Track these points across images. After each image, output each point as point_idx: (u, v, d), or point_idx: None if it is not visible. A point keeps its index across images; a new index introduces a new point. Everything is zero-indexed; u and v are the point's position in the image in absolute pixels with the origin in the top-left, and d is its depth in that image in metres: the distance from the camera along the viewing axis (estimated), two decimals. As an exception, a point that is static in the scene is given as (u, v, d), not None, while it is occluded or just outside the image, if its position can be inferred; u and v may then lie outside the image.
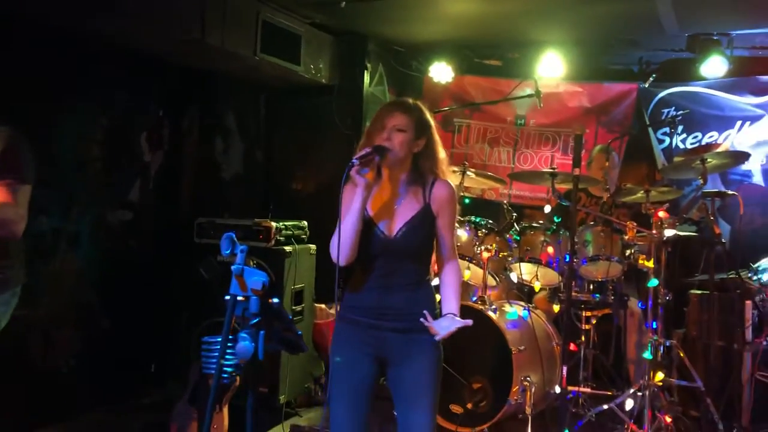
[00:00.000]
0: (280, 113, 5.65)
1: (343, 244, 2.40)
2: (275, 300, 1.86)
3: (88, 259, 4.36)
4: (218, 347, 2.01)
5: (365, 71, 5.39)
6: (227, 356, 1.91)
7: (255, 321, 1.82)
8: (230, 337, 1.87)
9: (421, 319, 2.41)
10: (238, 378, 3.35)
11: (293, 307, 4.40)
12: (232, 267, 1.82)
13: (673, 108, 5.34)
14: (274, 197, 5.34)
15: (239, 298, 1.83)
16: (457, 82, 5.71)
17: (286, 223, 4.47)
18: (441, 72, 5.54)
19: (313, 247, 4.66)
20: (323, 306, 4.97)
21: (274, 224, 4.33)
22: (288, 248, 4.37)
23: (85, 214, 4.33)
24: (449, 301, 2.56)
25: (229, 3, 4.22)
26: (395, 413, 2.63)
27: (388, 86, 5.72)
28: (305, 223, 4.68)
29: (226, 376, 2.08)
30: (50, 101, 3.97)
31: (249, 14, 4.40)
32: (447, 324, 2.44)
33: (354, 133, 5.37)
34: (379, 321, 2.47)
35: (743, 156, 4.21)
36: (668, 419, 3.79)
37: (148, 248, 4.81)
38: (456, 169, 4.68)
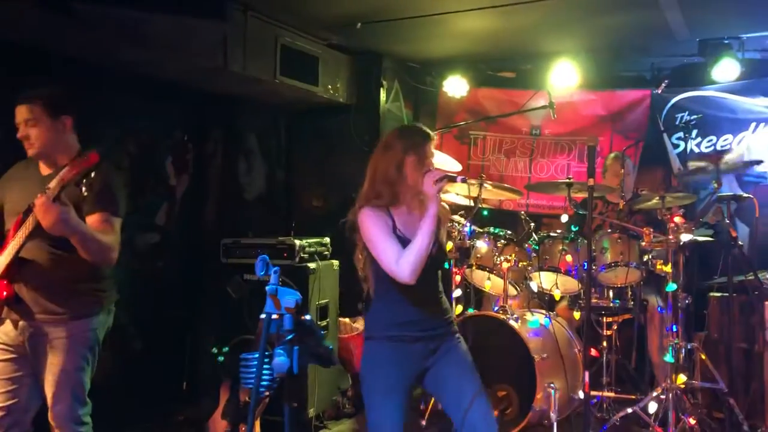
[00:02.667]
0: (299, 133, 5.79)
1: (422, 263, 2.52)
2: (308, 317, 1.97)
3: (119, 282, 4.49)
4: (255, 363, 2.13)
5: (381, 88, 5.51)
6: (264, 372, 2.01)
7: (289, 337, 1.92)
8: (265, 353, 1.97)
9: None
10: (268, 394, 3.47)
11: (318, 322, 4.50)
12: (267, 287, 1.93)
13: (687, 113, 5.39)
14: (296, 215, 5.47)
15: (274, 316, 1.94)
16: (471, 95, 5.81)
17: (309, 240, 4.58)
18: (455, 86, 5.64)
19: (336, 262, 4.77)
20: (347, 320, 5.08)
21: (297, 242, 4.44)
22: (312, 265, 4.47)
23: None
24: None
25: (249, 30, 4.36)
26: (445, 409, 2.73)
27: (404, 102, 5.85)
28: (327, 239, 4.79)
29: (262, 390, 2.19)
30: (78, 130, 4.11)
31: (268, 39, 4.55)
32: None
33: (372, 150, 5.47)
34: (426, 332, 2.64)
35: (756, 161, 4.26)
36: (692, 421, 3.84)
37: (176, 269, 4.95)
38: (474, 181, 4.79)
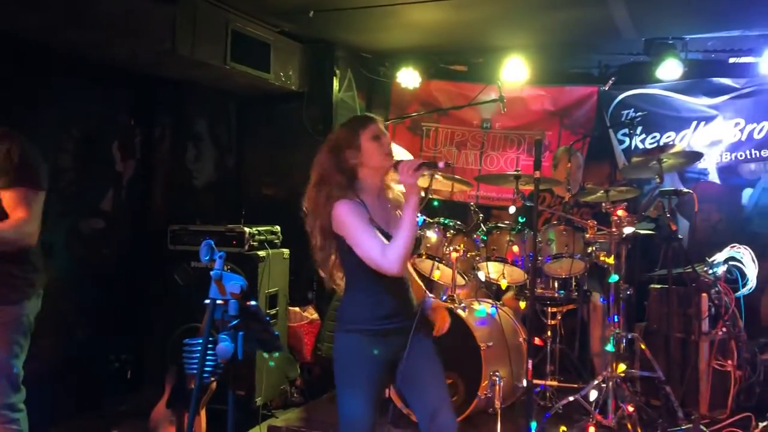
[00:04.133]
0: (250, 120, 5.74)
1: (408, 254, 2.52)
2: (253, 302, 1.97)
3: (62, 269, 4.39)
4: (199, 349, 2.11)
5: (334, 78, 5.50)
6: (208, 357, 2.00)
7: (234, 323, 1.91)
8: (210, 339, 1.96)
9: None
10: (214, 382, 3.45)
11: (267, 311, 4.48)
12: (212, 272, 1.92)
13: (632, 110, 5.52)
14: (246, 203, 5.41)
15: (218, 301, 1.93)
16: (424, 87, 5.85)
17: (259, 229, 4.56)
18: (408, 77, 5.66)
19: (286, 251, 4.76)
20: (297, 309, 5.07)
21: (247, 230, 4.41)
22: (261, 253, 4.45)
23: (58, 223, 4.36)
24: None
25: (199, 14, 4.30)
26: (410, 403, 2.79)
27: (357, 92, 5.84)
28: (278, 228, 4.77)
29: (206, 376, 2.17)
30: (21, 112, 4.00)
31: (219, 24, 4.49)
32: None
33: (324, 139, 5.46)
34: (399, 324, 2.62)
35: (696, 156, 4.41)
36: (631, 408, 3.96)
37: (121, 256, 4.86)
38: (425, 172, 4.82)
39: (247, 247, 4.41)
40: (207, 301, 1.93)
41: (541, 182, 3.40)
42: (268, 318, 2.00)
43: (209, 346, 1.96)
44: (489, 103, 5.23)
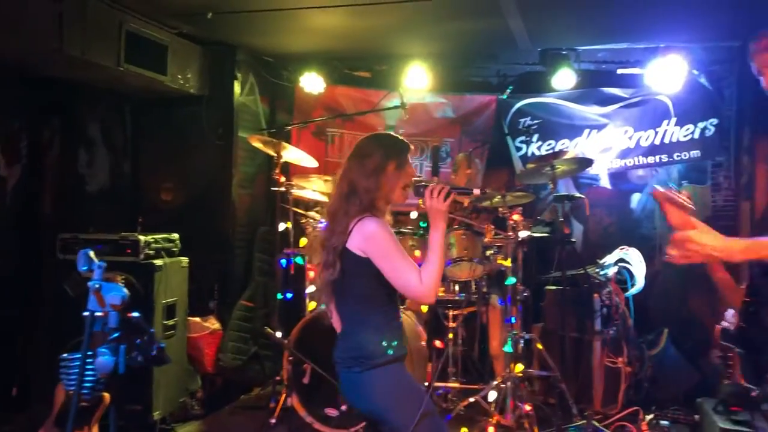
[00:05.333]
0: (148, 124, 5.54)
1: (439, 281, 2.42)
2: (135, 314, 1.88)
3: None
4: (77, 364, 2.00)
5: (235, 81, 5.40)
6: (87, 372, 1.90)
7: (115, 336, 1.83)
8: (90, 353, 1.87)
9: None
10: (108, 396, 3.29)
11: (165, 322, 4.33)
12: (89, 283, 1.82)
13: (529, 117, 5.72)
14: (144, 210, 5.23)
15: (98, 313, 1.83)
16: (328, 92, 5.83)
17: (155, 236, 4.40)
18: (312, 82, 5.63)
19: (185, 260, 4.62)
20: (198, 319, 4.93)
21: (142, 238, 4.25)
22: (158, 262, 4.30)
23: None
24: None
25: (90, 13, 4.11)
26: None
27: (259, 96, 5.76)
28: (176, 235, 4.62)
29: (86, 392, 2.06)
30: None
31: (111, 24, 4.31)
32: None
33: (225, 143, 5.37)
34: (405, 350, 2.56)
35: (587, 162, 4.60)
36: (528, 407, 4.09)
37: (7, 267, 4.57)
38: (328, 178, 4.82)
39: (142, 256, 4.24)
40: (85, 314, 1.83)
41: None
42: (152, 330, 1.91)
43: (89, 360, 1.86)
44: (392, 109, 5.28)
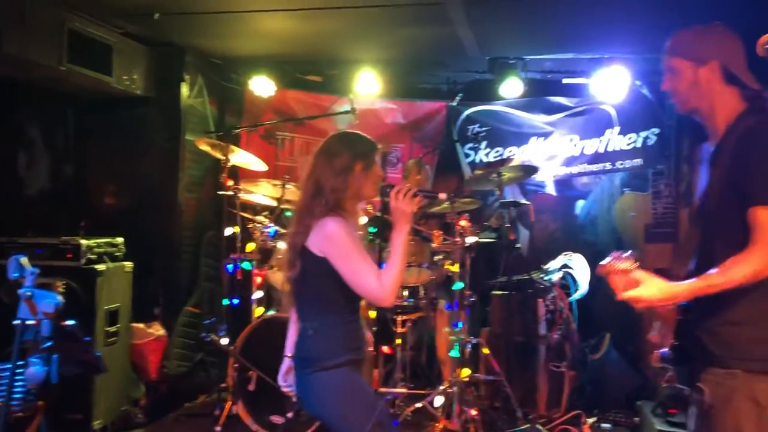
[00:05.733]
0: (92, 125, 5.39)
1: (399, 284, 2.40)
2: (70, 322, 1.83)
3: None
4: (7, 374, 1.94)
5: (183, 83, 5.31)
6: (18, 382, 1.84)
7: (47, 345, 1.77)
8: (21, 362, 1.81)
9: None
10: (42, 405, 3.19)
11: (107, 328, 4.23)
12: (20, 290, 1.76)
13: (478, 125, 5.79)
14: (87, 214, 5.08)
15: (30, 322, 1.78)
16: (279, 96, 5.79)
17: (98, 241, 4.29)
18: (262, 86, 5.59)
19: (129, 264, 4.52)
20: (142, 326, 4.82)
21: (84, 242, 4.14)
22: (100, 267, 4.20)
23: None
24: None
25: (29, 11, 3.99)
26: None
27: (208, 98, 5.69)
28: (120, 239, 4.52)
29: (16, 404, 1.99)
30: None
31: (54, 23, 4.19)
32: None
33: (172, 146, 5.28)
34: (365, 354, 2.54)
35: (532, 169, 4.69)
36: (474, 412, 4.13)
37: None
38: (277, 182, 4.78)
39: (84, 260, 4.13)
40: (16, 322, 1.77)
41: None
42: (88, 338, 1.86)
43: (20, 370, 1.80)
44: (343, 114, 5.28)
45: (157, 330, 4.94)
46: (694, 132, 5.28)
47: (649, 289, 1.94)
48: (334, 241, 2.35)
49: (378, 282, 2.32)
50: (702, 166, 2.28)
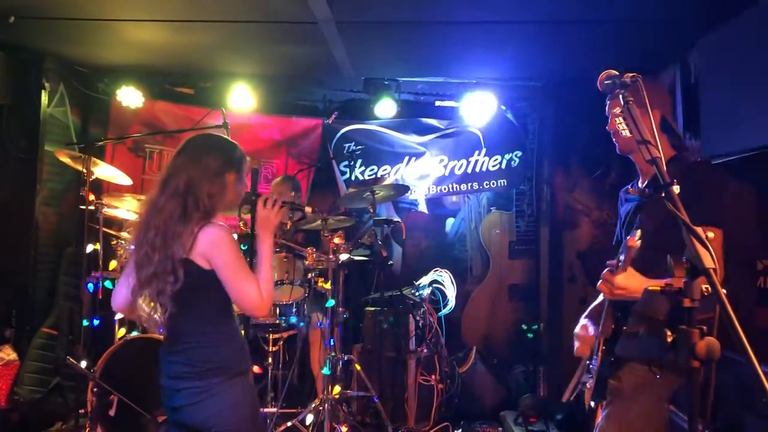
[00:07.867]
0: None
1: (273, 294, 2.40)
2: None
3: None
4: None
5: (42, 90, 5.00)
6: None
7: None
8: None
9: None
10: None
11: (-52, 353, 3.88)
12: None
13: (353, 143, 5.86)
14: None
15: None
16: (148, 107, 5.59)
17: (-61, 258, 3.94)
18: (129, 96, 5.37)
19: (-25, 282, 4.18)
20: (-10, 348, 4.47)
21: None
22: (-59, 286, 3.85)
23: None
24: None
25: None
26: None
27: (70, 107, 5.38)
28: (-34, 256, 4.18)
29: None
30: None
31: None
32: None
33: (29, 157, 4.95)
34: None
35: (404, 188, 4.81)
36: (344, 429, 4.14)
37: None
38: (143, 197, 4.59)
39: None
40: None
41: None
42: None
43: None
44: (214, 128, 5.16)
45: (8, 354, 4.59)
46: (553, 156, 5.65)
47: (629, 279, 2.17)
48: (222, 248, 2.26)
49: (259, 292, 2.28)
50: (621, 205, 2.57)
